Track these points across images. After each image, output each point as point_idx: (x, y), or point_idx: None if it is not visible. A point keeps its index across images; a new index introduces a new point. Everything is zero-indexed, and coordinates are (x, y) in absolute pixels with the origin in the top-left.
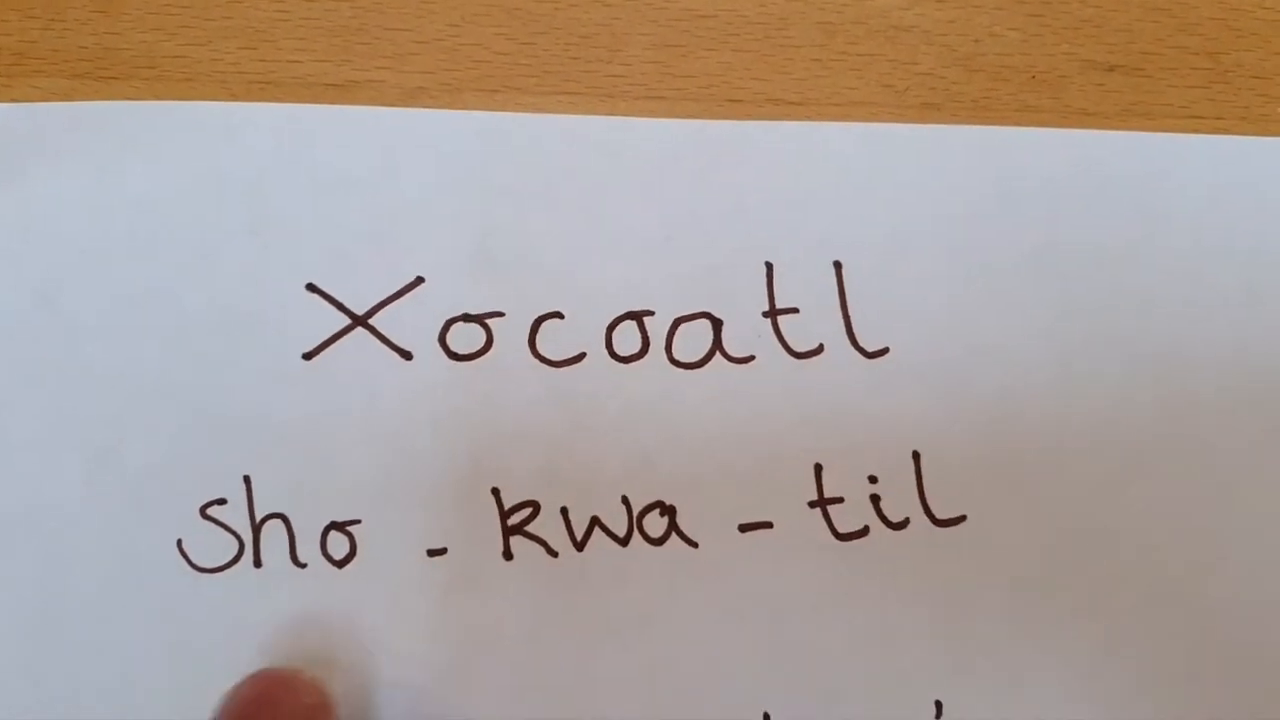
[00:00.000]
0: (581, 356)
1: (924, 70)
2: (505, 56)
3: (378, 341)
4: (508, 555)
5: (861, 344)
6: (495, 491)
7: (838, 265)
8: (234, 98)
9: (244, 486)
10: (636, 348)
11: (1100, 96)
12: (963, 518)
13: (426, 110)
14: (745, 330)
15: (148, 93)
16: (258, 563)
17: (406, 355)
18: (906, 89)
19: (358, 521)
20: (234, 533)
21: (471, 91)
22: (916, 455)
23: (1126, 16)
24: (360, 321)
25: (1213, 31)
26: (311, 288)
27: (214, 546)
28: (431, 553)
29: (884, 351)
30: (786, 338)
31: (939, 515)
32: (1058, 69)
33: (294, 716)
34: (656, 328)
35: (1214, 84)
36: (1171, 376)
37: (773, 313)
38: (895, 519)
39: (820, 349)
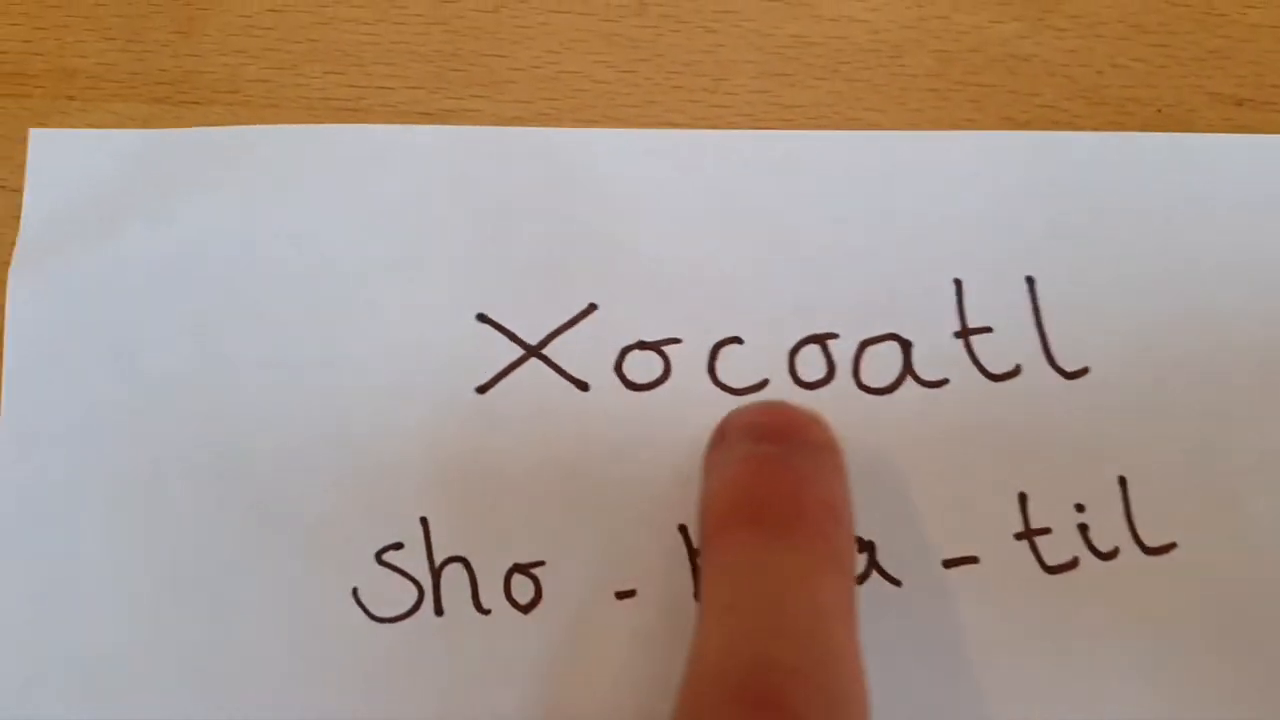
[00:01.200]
0: (765, 383)
1: (1045, 103)
2: (604, 85)
3: (553, 372)
4: (699, 597)
5: (1060, 363)
6: (683, 528)
7: (1030, 280)
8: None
9: (421, 529)
10: (822, 373)
11: (1229, 130)
12: (1173, 545)
13: (590, 130)
14: (937, 352)
15: (230, 118)
16: (439, 610)
17: (583, 386)
18: (1027, 121)
19: (542, 563)
20: (413, 579)
21: (569, 121)
22: (1123, 480)
23: (1257, 47)
24: (534, 352)
25: None
26: (482, 318)
27: (392, 594)
28: (620, 595)
29: (1084, 371)
30: (981, 359)
31: (1149, 544)
32: (1185, 102)
33: (814, 439)
34: (842, 351)
35: None
36: None
37: (965, 332)
38: (1105, 549)
39: (1017, 370)
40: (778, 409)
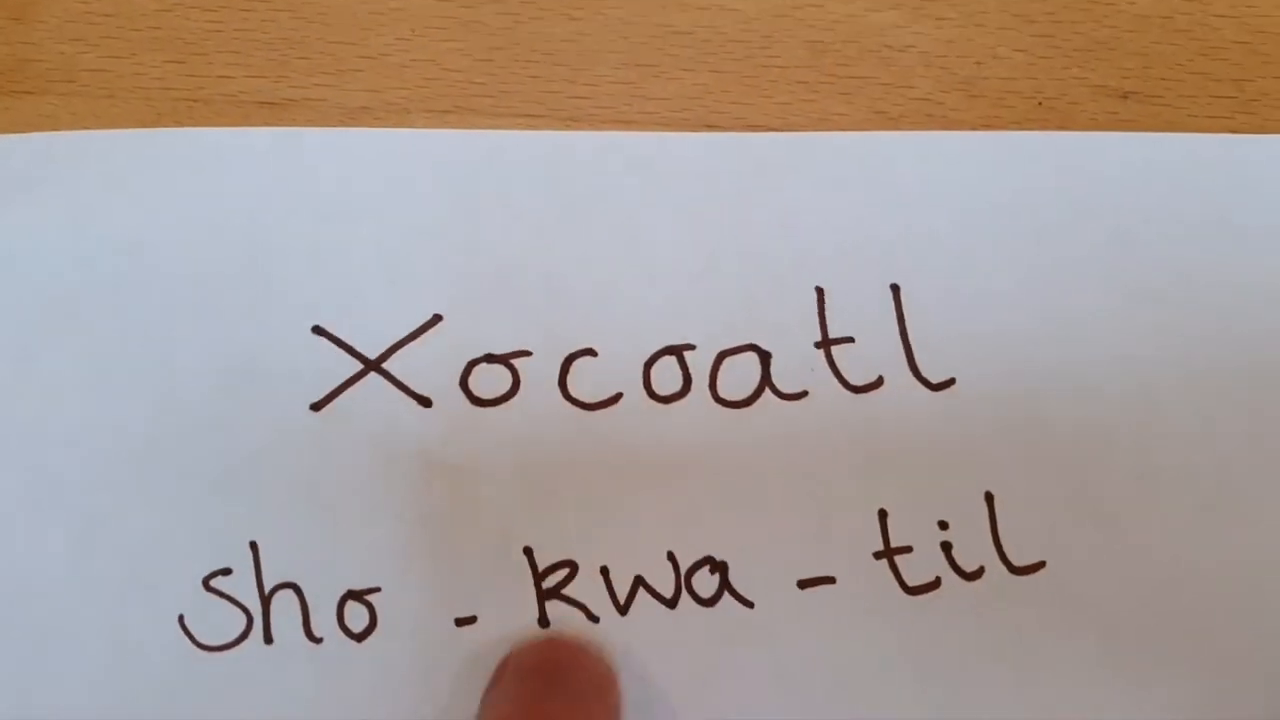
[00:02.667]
0: (618, 398)
1: (920, 95)
2: (459, 74)
3: (393, 387)
4: (544, 622)
5: (925, 375)
6: (528, 551)
7: (895, 289)
8: (159, 117)
9: (251, 554)
10: (677, 386)
11: (1113, 125)
12: (1042, 564)
13: (439, 130)
14: (796, 363)
15: (64, 109)
16: (268, 639)
17: (425, 402)
18: (900, 115)
19: (377, 590)
20: (241, 606)
21: (420, 112)
22: (989, 496)
23: (1144, 39)
24: (373, 366)
25: (1237, 56)
26: (318, 330)
27: (220, 622)
28: (460, 622)
29: (950, 383)
30: (842, 370)
31: (1016, 562)
32: (1067, 95)
33: (583, 685)
34: (699, 363)
35: (1237, 114)
36: (1262, 395)
37: (826, 343)
38: (969, 568)
39: (880, 381)
40: (555, 645)
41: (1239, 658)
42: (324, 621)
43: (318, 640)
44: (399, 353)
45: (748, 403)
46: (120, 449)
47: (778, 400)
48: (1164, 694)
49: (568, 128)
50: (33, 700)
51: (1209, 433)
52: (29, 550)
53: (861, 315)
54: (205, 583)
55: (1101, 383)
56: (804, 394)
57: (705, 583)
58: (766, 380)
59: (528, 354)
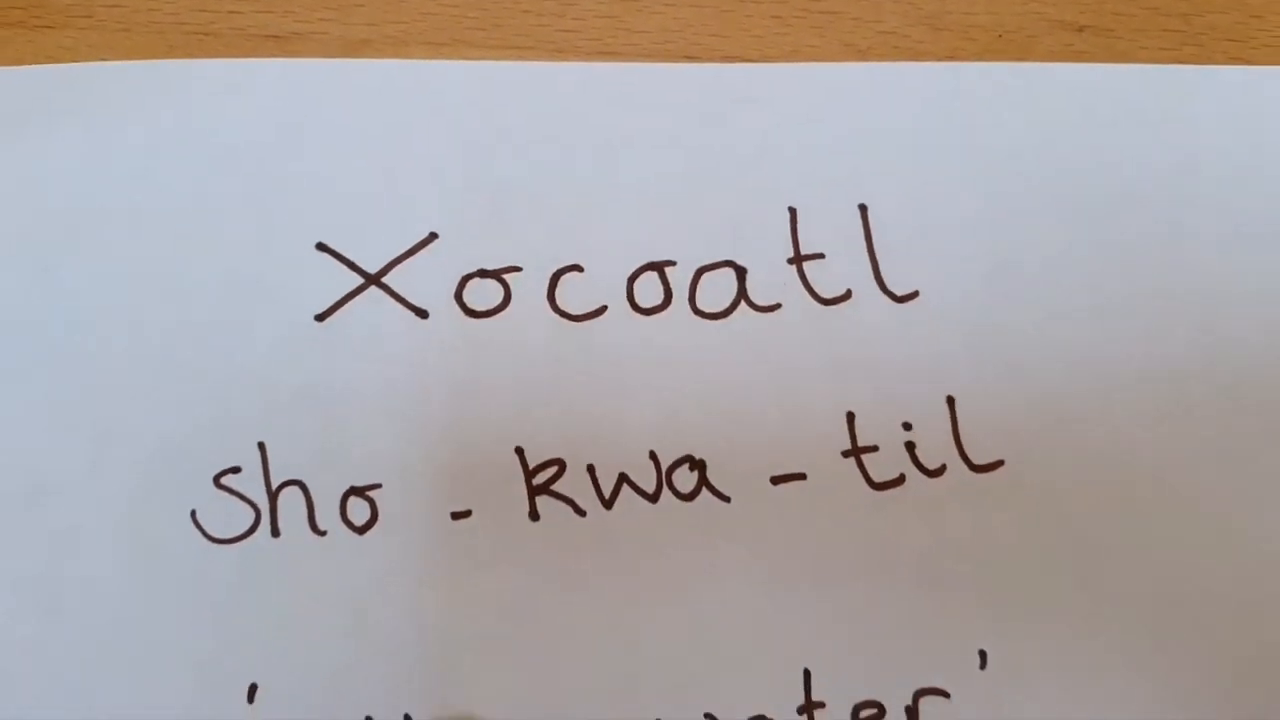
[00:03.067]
0: (603, 310)
1: (887, 29)
2: (454, 9)
3: (392, 300)
4: (534, 516)
5: (890, 288)
6: (519, 451)
7: (863, 208)
8: (171, 49)
9: (259, 454)
10: (659, 299)
11: (1069, 57)
12: (1000, 462)
13: (436, 62)
14: (770, 278)
15: (82, 43)
16: (275, 532)
17: (422, 314)
18: (869, 48)
19: (378, 486)
20: (250, 502)
21: (418, 44)
22: (951, 400)
23: None
24: (373, 280)
25: None
26: (322, 247)
27: (230, 517)
28: (456, 516)
29: (914, 295)
30: (813, 284)
31: (976, 461)
32: (1025, 28)
33: None
34: (679, 278)
35: (1185, 45)
36: (1209, 312)
37: (798, 259)
38: (931, 466)
39: (848, 294)
40: None
41: (1193, 544)
42: (328, 516)
43: (322, 533)
44: (397, 268)
45: (724, 314)
46: (136, 357)
47: (753, 312)
48: (1117, 583)
49: (556, 59)
50: (58, 596)
51: (1162, 339)
52: (51, 454)
53: (831, 233)
54: (216, 481)
55: (1055, 294)
56: (777, 306)
57: (685, 479)
58: (742, 294)
59: (518, 269)
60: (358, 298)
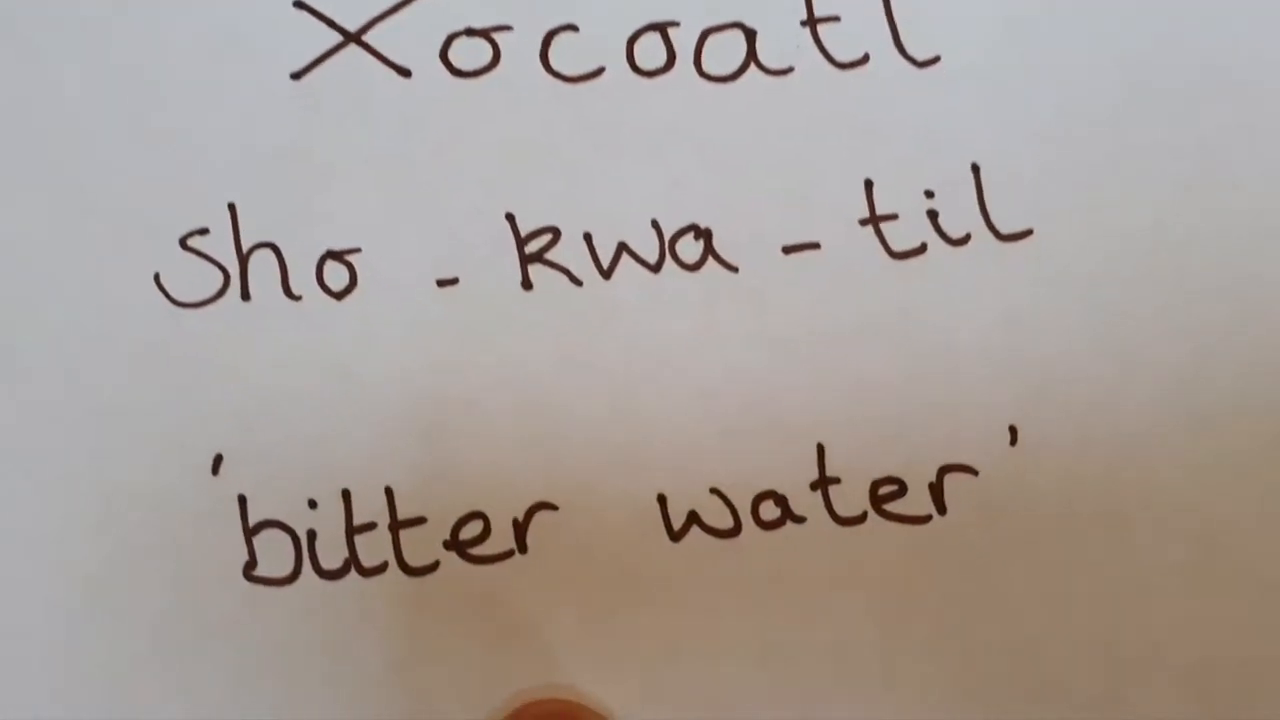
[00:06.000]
0: (600, 71)
1: None
2: None
3: (373, 59)
4: (526, 285)
5: (910, 52)
6: (510, 217)
7: None
8: None
9: (229, 215)
10: (661, 61)
11: None
12: (1029, 231)
13: None
14: (782, 41)
15: None
16: (245, 295)
17: (405, 73)
18: None
19: (357, 250)
20: (218, 264)
21: None
22: (976, 168)
23: None
24: (353, 38)
25: None
26: (300, 4)
27: (196, 279)
28: (441, 283)
29: (935, 60)
30: (828, 47)
31: (1003, 230)
32: None
33: None
34: (683, 39)
35: None
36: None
37: (811, 21)
38: (955, 235)
39: (865, 59)
40: (562, 712)
41: (1221, 325)
42: (303, 280)
43: (296, 298)
44: (379, 26)
45: (733, 78)
46: (105, 113)
47: (763, 76)
48: (1150, 352)
49: None
50: (10, 355)
51: (1186, 114)
52: (7, 205)
53: None
54: (182, 242)
55: (1081, 62)
56: (789, 70)
57: (689, 249)
58: (752, 56)
59: (508, 28)
60: (336, 56)
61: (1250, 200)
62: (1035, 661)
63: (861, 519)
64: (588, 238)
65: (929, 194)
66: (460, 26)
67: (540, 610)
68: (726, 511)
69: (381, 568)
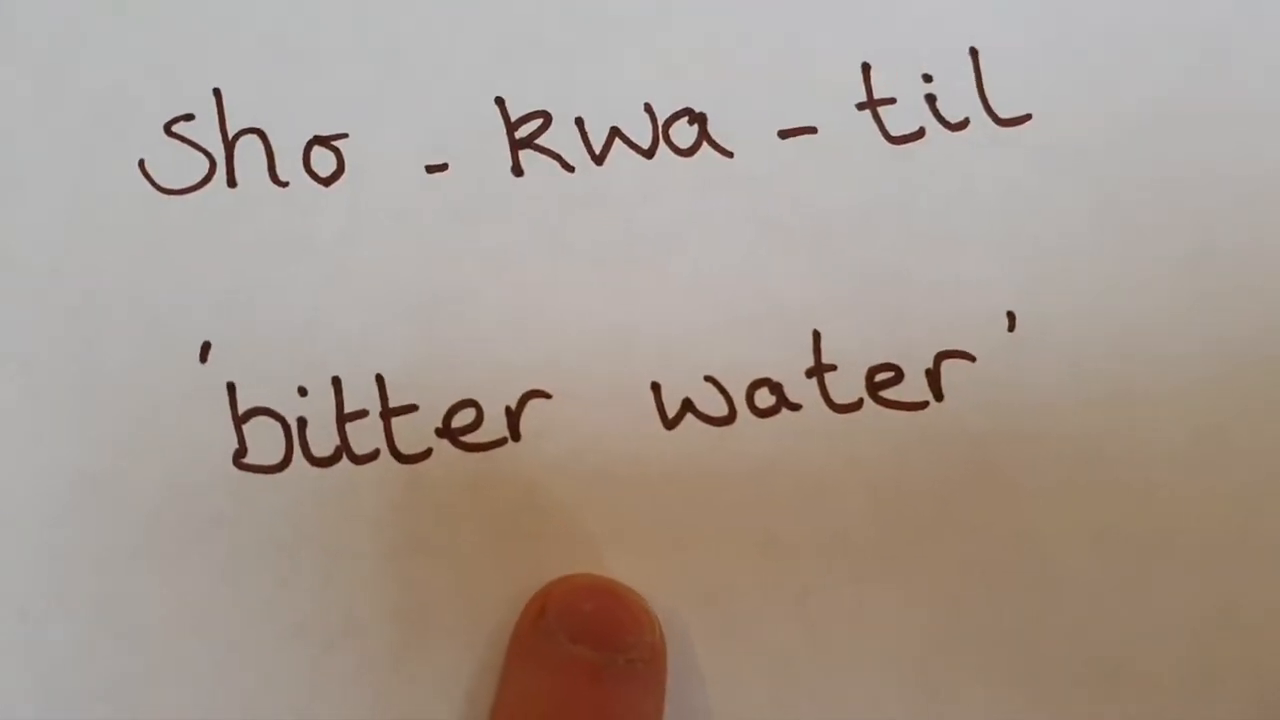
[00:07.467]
0: None
1: None
2: None
3: None
4: (517, 170)
5: None
6: (499, 101)
7: None
8: None
9: (214, 100)
10: None
11: None
12: (1028, 116)
13: None
14: None
15: None
16: (231, 182)
17: None
18: None
19: (344, 135)
20: (204, 150)
21: None
22: (974, 51)
23: None
24: None
25: None
26: None
27: (182, 166)
28: (431, 169)
29: None
30: None
31: (1001, 114)
32: None
33: (625, 664)
34: None
35: None
36: None
37: None
38: (953, 119)
39: None
40: (607, 596)
41: (1222, 206)
42: (289, 166)
43: (283, 184)
44: None
45: None
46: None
47: None
48: (1152, 245)
49: None
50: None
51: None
52: None
53: None
54: (167, 128)
55: None
56: None
57: (684, 133)
58: None
59: None
60: None
61: (1253, 79)
62: (1034, 546)
63: (858, 406)
64: (579, 122)
65: (927, 78)
66: None
67: (533, 499)
68: (721, 399)
69: (373, 455)
